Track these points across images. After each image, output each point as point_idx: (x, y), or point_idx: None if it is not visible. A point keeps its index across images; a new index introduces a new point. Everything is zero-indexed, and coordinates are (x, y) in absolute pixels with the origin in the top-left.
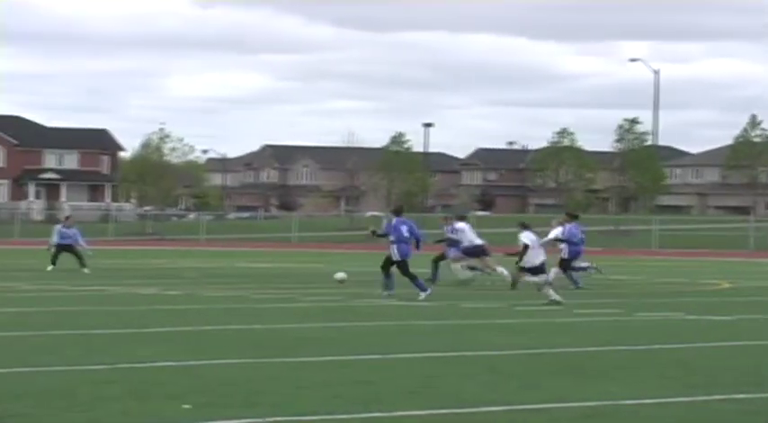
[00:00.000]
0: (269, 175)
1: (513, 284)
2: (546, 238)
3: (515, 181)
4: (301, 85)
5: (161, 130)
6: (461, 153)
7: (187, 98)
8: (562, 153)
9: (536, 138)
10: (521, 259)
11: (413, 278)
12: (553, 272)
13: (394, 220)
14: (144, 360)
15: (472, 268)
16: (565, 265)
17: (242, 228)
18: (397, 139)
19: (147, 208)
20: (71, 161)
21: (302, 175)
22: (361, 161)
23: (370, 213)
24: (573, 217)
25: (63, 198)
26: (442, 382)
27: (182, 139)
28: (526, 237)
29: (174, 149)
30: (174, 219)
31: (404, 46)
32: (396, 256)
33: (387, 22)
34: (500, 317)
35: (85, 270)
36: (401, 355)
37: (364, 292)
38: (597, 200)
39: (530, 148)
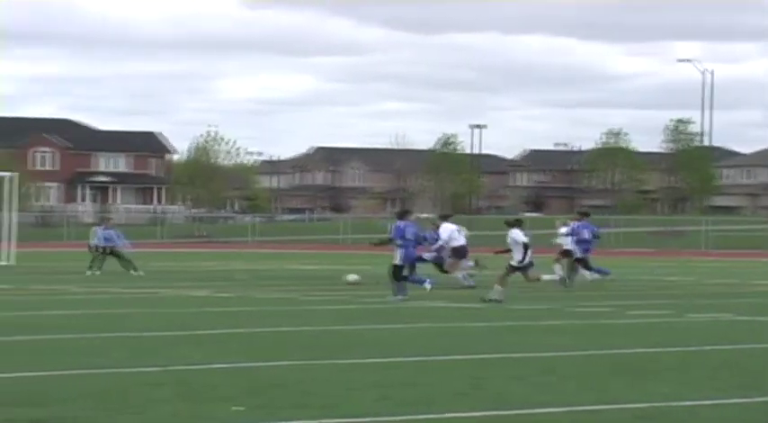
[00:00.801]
0: (319, 177)
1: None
2: (560, 239)
3: (565, 182)
4: (351, 87)
5: (209, 132)
6: (511, 154)
7: (237, 100)
8: (612, 154)
9: (585, 139)
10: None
11: (400, 280)
12: (584, 273)
13: (400, 224)
14: (195, 362)
15: (471, 275)
16: (583, 264)
17: (292, 230)
18: (446, 140)
19: (197, 210)
20: (122, 164)
21: (351, 176)
22: (409, 163)
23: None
24: (584, 215)
25: (114, 200)
26: (492, 384)
27: (228, 142)
28: (518, 235)
29: (224, 152)
30: (224, 221)
31: (453, 47)
32: (398, 260)
33: (436, 23)
34: (551, 318)
35: (138, 272)
36: (450, 356)
37: (413, 294)
38: (647, 201)
39: (579, 148)
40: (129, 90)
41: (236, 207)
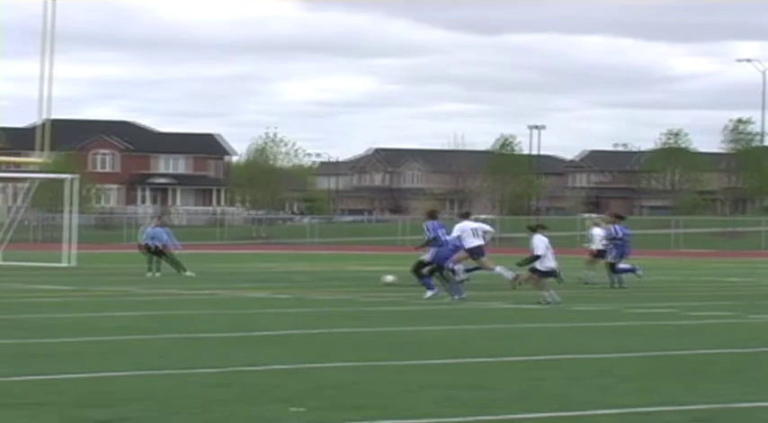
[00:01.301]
0: (377, 179)
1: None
2: (599, 243)
3: (624, 183)
4: (410, 89)
5: (269, 134)
6: (570, 155)
7: (297, 102)
8: (672, 154)
9: (645, 139)
10: (525, 262)
11: (421, 277)
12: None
13: (435, 224)
14: (254, 363)
15: (468, 270)
16: (611, 268)
17: (351, 231)
18: (505, 141)
19: (256, 211)
20: (182, 166)
21: (411, 178)
22: (468, 164)
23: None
24: (619, 217)
25: (173, 202)
26: (552, 386)
27: (287, 143)
28: (540, 240)
29: (283, 154)
30: (283, 222)
31: (512, 48)
32: (429, 257)
33: (496, 24)
34: (610, 319)
35: (188, 273)
36: (509, 358)
37: (474, 294)
38: (707, 201)
39: (639, 149)
40: (190, 92)
41: (295, 208)
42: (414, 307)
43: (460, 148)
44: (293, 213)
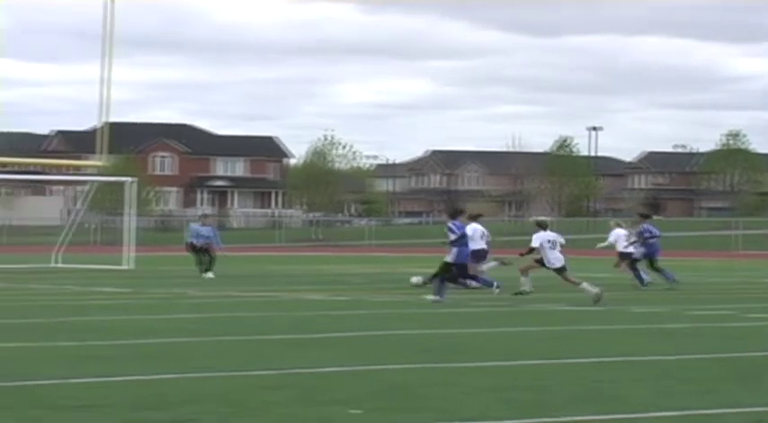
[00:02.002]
0: (435, 181)
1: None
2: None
3: (683, 184)
4: (466, 91)
5: (327, 137)
6: (628, 157)
7: (354, 105)
8: (732, 155)
9: (704, 140)
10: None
11: (441, 280)
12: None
13: (458, 223)
14: (312, 365)
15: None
16: (630, 265)
17: (409, 233)
18: (563, 143)
19: (314, 214)
20: (239, 168)
21: (468, 179)
22: (526, 165)
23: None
24: (645, 217)
25: (232, 204)
26: (611, 387)
27: (345, 146)
28: (539, 237)
29: (340, 156)
30: (340, 225)
31: (570, 50)
32: (451, 258)
33: (553, 25)
34: (670, 321)
35: (209, 275)
36: (567, 360)
37: (537, 296)
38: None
39: (697, 150)
40: (247, 95)
41: (353, 210)
42: (471, 309)
43: (518, 149)
44: (351, 215)
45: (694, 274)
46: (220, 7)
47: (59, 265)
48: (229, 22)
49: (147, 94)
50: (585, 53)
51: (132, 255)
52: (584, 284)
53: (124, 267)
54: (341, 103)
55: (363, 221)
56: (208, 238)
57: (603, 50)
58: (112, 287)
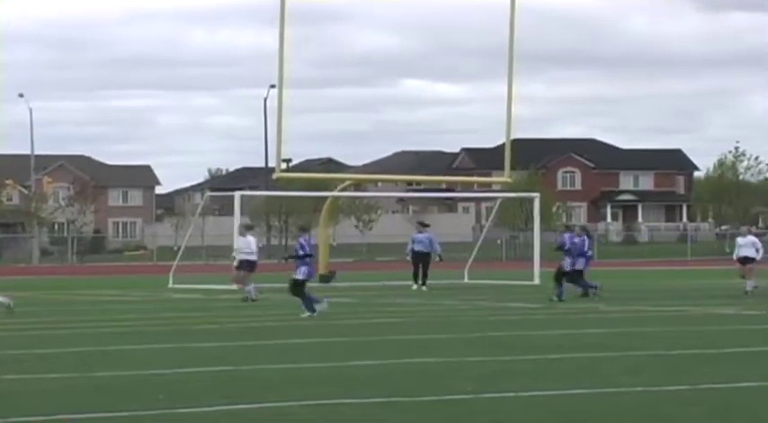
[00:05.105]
0: None
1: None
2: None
3: None
4: None
5: (736, 149)
6: None
7: (764, 116)
8: None
9: None
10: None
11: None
12: None
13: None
14: (727, 381)
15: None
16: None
17: None
18: None
19: (724, 227)
20: (646, 182)
21: None
22: None
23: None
24: (582, 229)
25: (638, 218)
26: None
27: (750, 158)
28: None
29: (748, 168)
30: None
31: None
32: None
33: None
34: None
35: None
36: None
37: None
38: None
39: None
40: (659, 108)
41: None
42: None
43: None
44: (766, 228)
45: None
46: (636, 20)
47: (465, 281)
48: (644, 35)
49: (559, 109)
50: None
51: (537, 270)
52: None
53: (535, 283)
54: (753, 114)
55: None
56: (430, 247)
57: None
58: (521, 302)
